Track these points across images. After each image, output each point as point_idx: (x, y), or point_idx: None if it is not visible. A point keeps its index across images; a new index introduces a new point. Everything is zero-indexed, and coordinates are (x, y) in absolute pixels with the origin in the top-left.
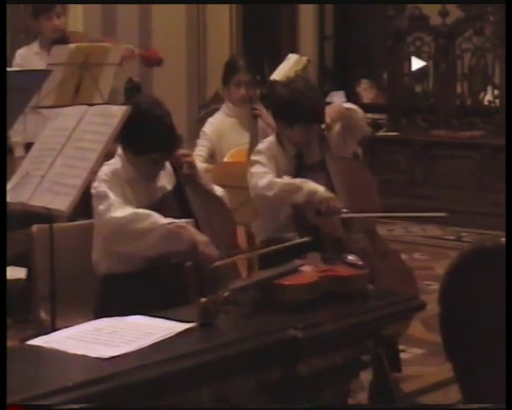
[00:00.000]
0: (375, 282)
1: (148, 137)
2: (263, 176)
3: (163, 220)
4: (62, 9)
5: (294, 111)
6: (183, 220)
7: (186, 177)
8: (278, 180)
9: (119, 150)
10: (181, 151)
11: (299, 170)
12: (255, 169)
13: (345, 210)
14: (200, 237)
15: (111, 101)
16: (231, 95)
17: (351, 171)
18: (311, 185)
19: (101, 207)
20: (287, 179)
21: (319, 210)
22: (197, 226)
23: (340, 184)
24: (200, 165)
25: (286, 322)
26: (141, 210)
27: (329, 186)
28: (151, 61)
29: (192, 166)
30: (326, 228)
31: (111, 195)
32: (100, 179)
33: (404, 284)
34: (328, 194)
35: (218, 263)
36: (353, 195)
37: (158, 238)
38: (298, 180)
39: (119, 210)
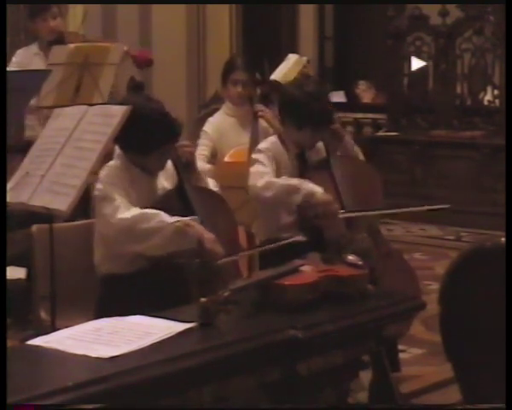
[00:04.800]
0: (377, 282)
1: (154, 133)
2: (261, 176)
3: (170, 219)
4: (58, 10)
5: (305, 114)
6: (188, 218)
7: (184, 166)
8: (276, 180)
9: (118, 151)
10: (181, 143)
11: (303, 169)
12: (254, 169)
13: (342, 211)
14: (207, 235)
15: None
16: (229, 93)
17: (356, 170)
18: (308, 186)
19: (107, 209)
20: (284, 180)
21: (317, 214)
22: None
23: (344, 183)
24: (204, 165)
25: (286, 322)
26: (148, 210)
27: (334, 186)
28: (141, 62)
29: (191, 154)
30: (327, 229)
31: (116, 196)
32: (103, 182)
33: (407, 285)
34: (326, 197)
35: (221, 261)
36: (358, 194)
37: (166, 237)
38: (295, 181)
39: (127, 211)
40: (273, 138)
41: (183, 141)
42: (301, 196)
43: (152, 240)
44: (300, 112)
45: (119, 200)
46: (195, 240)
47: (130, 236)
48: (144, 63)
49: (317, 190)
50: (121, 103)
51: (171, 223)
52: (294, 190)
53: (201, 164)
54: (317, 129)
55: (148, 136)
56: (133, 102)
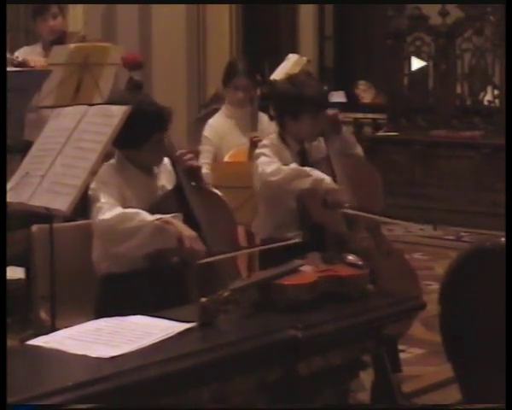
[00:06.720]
0: (377, 281)
1: (142, 124)
2: (270, 164)
3: (150, 217)
4: (59, 10)
5: (300, 102)
6: (169, 215)
7: (189, 174)
8: (285, 167)
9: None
10: (182, 152)
11: (304, 166)
12: (261, 160)
13: (348, 204)
14: (187, 232)
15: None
16: (230, 97)
17: (356, 169)
18: (318, 173)
19: (93, 210)
20: (294, 166)
21: (325, 201)
22: (193, 223)
23: (344, 181)
24: (208, 172)
25: (286, 322)
26: (129, 210)
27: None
28: (130, 64)
29: (196, 168)
30: (329, 224)
31: (101, 197)
32: (95, 181)
33: (407, 284)
34: (335, 184)
35: (204, 260)
36: (358, 193)
37: (147, 235)
38: (305, 168)
39: (108, 212)
40: (273, 136)
41: (181, 150)
42: (310, 181)
43: (134, 239)
44: (295, 102)
45: (104, 200)
46: (174, 237)
47: (113, 236)
48: (133, 65)
49: (327, 177)
50: (108, 102)
51: (151, 221)
52: (304, 174)
53: (206, 172)
54: (315, 115)
55: (136, 127)
56: (120, 97)
